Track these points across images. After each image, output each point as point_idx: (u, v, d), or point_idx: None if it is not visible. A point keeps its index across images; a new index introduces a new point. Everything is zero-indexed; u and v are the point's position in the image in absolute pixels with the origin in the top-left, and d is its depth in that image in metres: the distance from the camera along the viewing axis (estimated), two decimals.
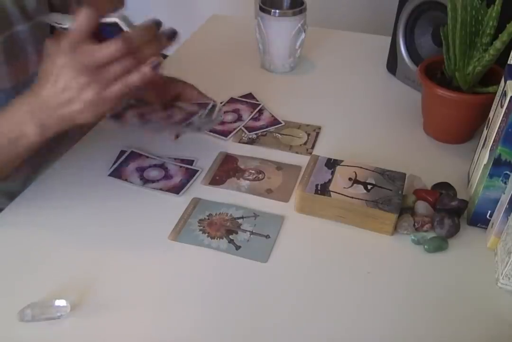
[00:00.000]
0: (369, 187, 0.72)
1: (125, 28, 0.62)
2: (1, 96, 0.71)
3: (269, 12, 0.99)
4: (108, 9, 0.63)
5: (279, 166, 0.82)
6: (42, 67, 0.63)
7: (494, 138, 0.68)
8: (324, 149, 0.85)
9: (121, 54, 0.60)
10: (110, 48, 0.60)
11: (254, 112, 0.94)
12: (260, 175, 0.81)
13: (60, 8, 0.75)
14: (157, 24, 0.63)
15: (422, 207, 0.72)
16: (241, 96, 0.98)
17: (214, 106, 0.80)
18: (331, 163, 0.76)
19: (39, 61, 0.73)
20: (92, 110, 0.63)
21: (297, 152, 0.85)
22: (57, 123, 0.65)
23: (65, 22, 0.64)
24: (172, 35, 0.64)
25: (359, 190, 0.72)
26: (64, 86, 0.61)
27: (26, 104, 0.65)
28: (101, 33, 0.62)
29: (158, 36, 0.63)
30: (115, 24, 0.62)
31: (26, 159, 0.80)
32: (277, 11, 0.98)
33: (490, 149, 0.69)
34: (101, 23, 0.62)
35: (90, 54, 0.60)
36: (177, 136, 0.83)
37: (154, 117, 0.79)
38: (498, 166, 0.66)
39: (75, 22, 0.60)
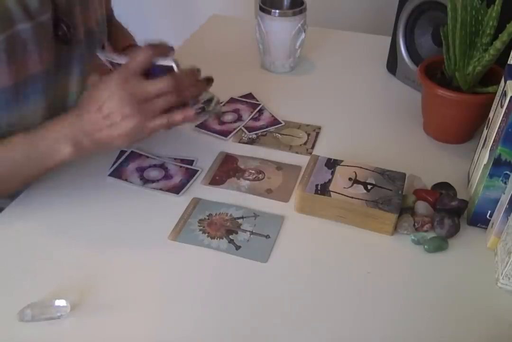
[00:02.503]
0: (369, 187, 0.72)
1: (176, 71, 0.68)
2: (1, 95, 0.71)
3: (269, 12, 0.99)
4: (162, 53, 0.70)
5: (279, 166, 0.82)
6: (89, 95, 0.68)
7: (494, 138, 0.68)
8: (324, 149, 0.85)
9: (168, 91, 0.66)
10: (161, 84, 0.66)
11: (254, 112, 0.94)
12: (260, 175, 0.81)
13: (64, 7, 0.75)
14: (198, 70, 0.72)
15: (422, 207, 0.72)
16: (241, 96, 0.98)
17: (211, 98, 0.80)
18: (331, 163, 0.76)
19: (41, 61, 0.73)
20: (129, 138, 0.68)
21: (297, 152, 0.85)
22: (93, 146, 0.69)
23: (119, 59, 0.71)
24: (209, 80, 0.74)
25: (359, 190, 0.72)
26: (109, 112, 0.66)
27: (68, 124, 0.68)
28: (151, 72, 0.67)
29: (198, 80, 0.72)
30: (166, 67, 0.68)
31: None
32: (277, 11, 0.98)
33: (490, 149, 0.69)
34: (154, 63, 0.68)
35: (140, 87, 0.66)
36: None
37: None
38: (498, 166, 0.66)
39: (134, 57, 0.67)
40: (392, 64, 1.03)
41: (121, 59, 0.71)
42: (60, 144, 0.68)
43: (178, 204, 0.75)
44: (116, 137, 0.67)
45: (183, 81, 0.68)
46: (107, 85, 0.67)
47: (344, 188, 0.72)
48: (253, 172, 0.81)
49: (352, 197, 0.70)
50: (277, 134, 0.89)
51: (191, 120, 0.71)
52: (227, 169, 0.82)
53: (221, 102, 0.94)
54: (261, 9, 1.00)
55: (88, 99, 0.68)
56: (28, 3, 0.68)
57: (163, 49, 0.70)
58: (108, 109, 0.66)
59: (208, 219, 0.73)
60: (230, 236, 0.71)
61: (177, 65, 0.68)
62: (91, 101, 0.67)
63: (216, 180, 0.80)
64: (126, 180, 0.79)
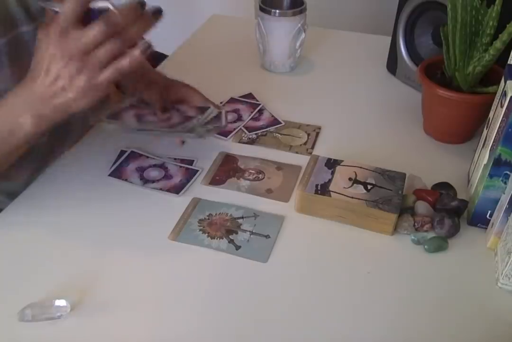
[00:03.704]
0: (369, 187, 0.72)
1: (113, 10, 0.60)
2: (4, 96, 0.71)
3: (269, 12, 0.99)
4: None
5: (279, 166, 0.82)
6: (34, 57, 0.63)
7: (494, 138, 0.68)
8: (324, 149, 0.85)
9: (105, 36, 0.59)
10: (93, 31, 0.59)
11: (254, 112, 0.94)
12: (260, 175, 0.81)
13: None
14: (141, 4, 0.61)
15: (422, 207, 0.72)
16: (241, 96, 0.98)
17: (219, 112, 0.80)
18: (331, 164, 0.76)
19: None
20: (85, 97, 0.63)
21: (297, 152, 0.85)
22: (53, 113, 0.65)
23: (58, 6, 0.62)
24: (157, 13, 0.63)
25: (359, 190, 0.72)
26: (56, 75, 0.61)
27: (21, 96, 0.64)
28: (93, 19, 0.60)
29: (142, 15, 0.61)
30: (107, 9, 0.60)
31: (26, 160, 0.80)
32: (277, 11, 0.98)
33: (490, 149, 0.69)
34: (91, 8, 0.60)
35: (77, 40, 0.59)
36: (183, 142, 0.83)
37: (152, 119, 0.79)
38: (498, 166, 0.66)
39: (64, 6, 0.59)
40: (392, 64, 1.03)
41: (60, 7, 0.62)
42: (19, 117, 0.64)
43: (178, 204, 0.75)
44: (73, 99, 0.63)
45: (119, 21, 0.59)
46: (46, 44, 0.61)
47: (344, 188, 0.72)
48: (253, 172, 0.81)
49: (352, 197, 0.70)
50: (277, 134, 0.89)
51: (140, 59, 0.62)
52: (227, 169, 0.82)
53: (222, 103, 0.94)
54: (261, 9, 1.00)
55: (35, 63, 0.63)
56: (30, 5, 0.68)
57: None
58: (54, 72, 0.61)
59: (208, 219, 0.73)
60: (230, 236, 0.71)
61: (113, 5, 0.60)
62: (38, 65, 0.62)
63: (216, 180, 0.80)
64: (126, 180, 0.79)
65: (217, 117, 0.80)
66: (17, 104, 0.64)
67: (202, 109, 0.80)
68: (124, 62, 0.61)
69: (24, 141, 0.67)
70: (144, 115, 0.80)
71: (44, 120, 0.65)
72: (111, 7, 0.59)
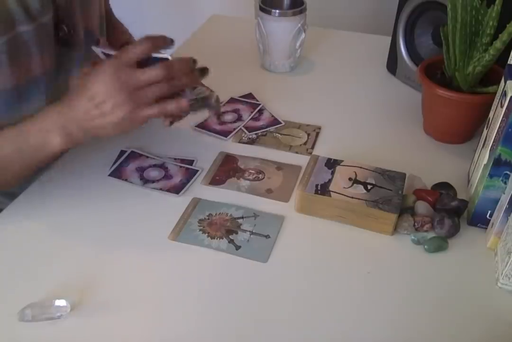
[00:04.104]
0: (369, 187, 0.72)
1: (174, 61, 0.66)
2: (2, 96, 0.71)
3: (269, 12, 0.99)
4: (162, 46, 0.68)
5: (279, 166, 0.82)
6: (81, 80, 0.67)
7: (494, 138, 0.68)
8: (324, 149, 0.85)
9: (160, 79, 0.65)
10: (152, 72, 0.65)
11: (254, 112, 0.94)
12: (260, 175, 0.81)
13: (65, 9, 0.75)
14: (194, 60, 0.69)
15: (422, 207, 0.72)
16: (241, 96, 0.98)
17: (210, 94, 0.79)
18: (331, 164, 0.76)
19: (43, 62, 0.73)
20: (119, 127, 0.67)
21: (297, 152, 0.85)
22: (82, 135, 0.68)
23: (114, 52, 0.69)
24: (204, 70, 0.71)
25: (359, 190, 0.72)
26: (100, 102, 0.65)
27: (57, 114, 0.67)
28: (147, 65, 0.66)
29: (193, 70, 0.69)
30: (163, 59, 0.66)
31: None
32: (277, 11, 0.98)
33: (490, 149, 0.69)
34: (151, 56, 0.66)
35: (132, 76, 0.64)
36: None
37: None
38: (498, 166, 0.66)
39: (131, 47, 0.65)
40: (392, 64, 1.03)
41: (115, 52, 0.69)
42: (50, 135, 0.67)
43: (178, 204, 0.75)
44: (107, 126, 0.66)
45: (176, 70, 0.66)
46: (99, 74, 0.65)
47: (344, 188, 0.72)
48: (253, 172, 0.81)
49: (352, 197, 0.70)
50: (277, 134, 0.89)
51: (184, 110, 0.70)
52: (227, 169, 0.82)
53: (221, 102, 0.94)
54: (261, 9, 1.00)
55: (79, 88, 0.66)
56: (29, 5, 0.68)
57: (162, 42, 0.68)
58: (100, 98, 0.64)
59: (208, 219, 0.73)
60: (230, 236, 0.71)
61: (172, 57, 0.67)
62: (83, 90, 0.66)
63: (216, 180, 0.80)
64: (126, 180, 0.79)
65: (208, 97, 0.79)
66: (51, 121, 0.67)
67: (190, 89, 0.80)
68: (170, 106, 0.67)
69: (47, 158, 0.70)
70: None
71: (72, 141, 0.68)
72: (170, 58, 0.67)
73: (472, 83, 0.81)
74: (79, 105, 0.66)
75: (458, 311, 0.62)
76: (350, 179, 0.73)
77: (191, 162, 0.83)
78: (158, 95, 0.66)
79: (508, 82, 0.66)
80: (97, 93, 0.65)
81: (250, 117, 0.93)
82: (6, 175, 0.71)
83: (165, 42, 0.68)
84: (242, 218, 0.73)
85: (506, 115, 0.64)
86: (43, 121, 0.67)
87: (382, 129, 0.91)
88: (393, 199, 0.70)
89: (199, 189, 0.78)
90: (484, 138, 0.74)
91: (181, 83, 0.67)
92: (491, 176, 0.67)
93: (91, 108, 0.65)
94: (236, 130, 0.90)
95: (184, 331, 0.60)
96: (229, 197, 0.77)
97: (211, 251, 0.69)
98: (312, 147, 0.86)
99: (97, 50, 0.71)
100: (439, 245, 0.68)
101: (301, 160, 0.82)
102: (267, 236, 0.71)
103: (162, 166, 0.82)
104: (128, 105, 0.65)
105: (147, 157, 0.83)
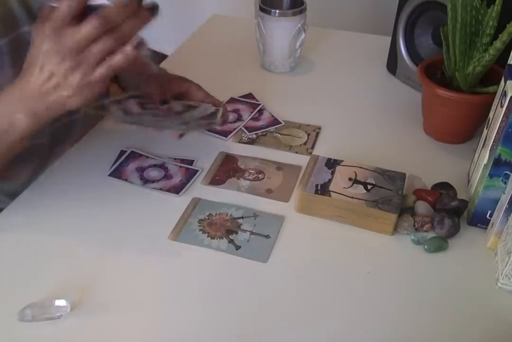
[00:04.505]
0: (369, 187, 0.72)
1: (110, 6, 0.59)
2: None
3: (269, 12, 0.99)
4: None
5: (279, 166, 0.82)
6: (29, 53, 0.62)
7: (494, 138, 0.68)
8: (324, 149, 0.85)
9: (99, 32, 0.59)
10: (86, 27, 0.58)
11: (254, 112, 0.94)
12: (260, 175, 0.81)
13: None
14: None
15: (422, 207, 0.72)
16: (241, 96, 0.98)
17: (216, 110, 0.79)
18: (331, 164, 0.76)
19: None
20: (80, 94, 0.62)
21: (297, 152, 0.85)
22: (47, 111, 0.64)
23: (56, 2, 0.61)
24: (153, 9, 0.62)
25: (359, 190, 0.72)
26: (51, 73, 0.61)
27: (15, 93, 0.64)
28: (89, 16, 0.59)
29: (139, 11, 0.60)
30: (103, 6, 0.59)
31: (26, 160, 0.80)
32: (277, 11, 0.98)
33: (490, 149, 0.69)
34: (89, 5, 0.59)
35: (70, 37, 0.59)
36: (180, 136, 0.83)
37: (153, 107, 0.78)
38: (498, 166, 0.66)
39: (60, 3, 0.58)
40: (392, 64, 1.03)
41: (58, 3, 0.61)
42: (13, 116, 0.64)
43: (178, 204, 0.75)
44: (68, 96, 0.62)
45: (114, 16, 0.59)
46: (41, 40, 0.60)
47: (344, 188, 0.72)
48: (253, 172, 0.81)
49: (352, 197, 0.70)
50: (277, 134, 0.89)
51: (133, 56, 0.61)
52: (227, 169, 0.82)
53: (221, 102, 0.94)
54: (261, 9, 1.00)
55: (29, 60, 0.62)
56: (31, 5, 0.68)
57: None
58: (49, 69, 0.60)
59: (208, 219, 0.73)
60: (230, 236, 0.71)
61: (110, 1, 0.59)
62: (32, 62, 0.62)
63: (216, 180, 0.80)
64: (126, 180, 0.79)
65: (214, 114, 0.79)
66: (11, 102, 0.64)
67: (199, 104, 0.80)
68: (117, 59, 0.60)
69: (19, 139, 0.67)
70: (145, 104, 0.79)
71: (38, 117, 0.65)
72: (107, 2, 0.59)
73: (472, 83, 0.81)
74: (33, 80, 0.62)
75: (458, 311, 0.62)
76: (350, 179, 0.73)
77: (191, 162, 0.83)
78: (105, 50, 0.60)
79: (508, 82, 0.66)
80: (45, 64, 0.60)
81: (250, 117, 0.93)
82: None
83: None
84: (242, 218, 0.73)
85: (506, 115, 0.64)
86: (3, 103, 0.64)
87: (382, 129, 0.91)
88: (393, 199, 0.70)
89: (199, 189, 0.78)
90: (484, 138, 0.74)
91: (126, 30, 0.60)
92: (491, 176, 0.67)
93: (43, 82, 0.61)
94: (236, 130, 0.90)
95: (184, 331, 0.60)
96: (229, 197, 0.77)
97: (211, 251, 0.69)
98: (312, 147, 0.86)
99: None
100: (439, 245, 0.68)
101: (301, 160, 0.82)
102: (267, 236, 0.71)
103: (162, 166, 0.82)
104: (78, 70, 0.60)
105: (147, 157, 0.83)
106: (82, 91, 0.62)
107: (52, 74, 0.61)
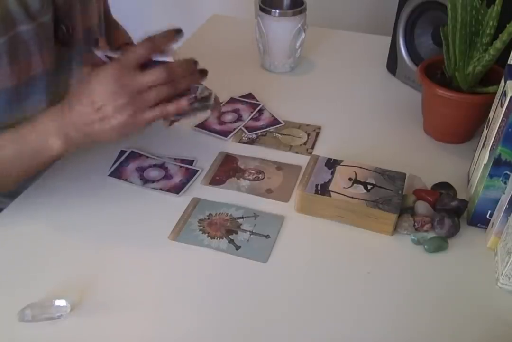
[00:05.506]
0: (369, 187, 0.72)
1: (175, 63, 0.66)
2: (2, 96, 0.71)
3: (269, 12, 0.99)
4: (164, 48, 0.67)
5: (279, 166, 0.82)
6: (82, 83, 0.66)
7: (494, 138, 0.68)
8: (324, 149, 0.85)
9: (161, 82, 0.64)
10: (153, 75, 0.64)
11: (254, 112, 0.94)
12: (260, 175, 0.81)
13: (64, 8, 0.75)
14: (195, 62, 0.69)
15: (422, 207, 0.72)
16: (241, 96, 0.98)
17: (210, 93, 0.79)
18: (331, 163, 0.76)
19: (42, 61, 0.73)
20: (120, 131, 0.66)
21: (297, 152, 0.85)
22: (82, 139, 0.68)
23: (115, 54, 0.69)
24: (203, 73, 0.70)
25: (359, 190, 0.72)
26: (101, 106, 0.64)
27: (58, 117, 0.67)
28: (148, 68, 0.65)
29: (194, 71, 0.68)
30: (164, 62, 0.66)
31: None
32: (277, 11, 0.98)
33: (490, 149, 0.69)
34: (152, 59, 0.66)
35: (133, 79, 0.64)
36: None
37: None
38: (498, 166, 0.66)
39: (133, 49, 0.65)
40: (392, 64, 1.03)
41: (117, 54, 0.69)
42: (50, 138, 0.66)
43: (178, 204, 0.75)
44: (108, 130, 0.66)
45: (176, 72, 0.66)
46: (99, 77, 0.64)
47: (344, 188, 0.72)
48: (253, 172, 0.81)
49: (352, 197, 0.70)
50: (277, 134, 0.89)
51: (185, 111, 0.69)
52: (227, 169, 0.82)
53: (221, 102, 0.94)
54: (261, 9, 1.00)
55: (80, 91, 0.66)
56: (29, 4, 0.68)
57: (165, 41, 0.67)
58: (101, 102, 0.64)
59: (208, 219, 0.73)
60: (230, 236, 0.71)
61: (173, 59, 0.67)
62: (83, 94, 0.65)
63: (216, 180, 0.80)
64: (126, 180, 0.79)
65: (207, 97, 0.79)
66: (51, 124, 0.67)
67: (193, 87, 0.79)
68: (171, 108, 0.67)
69: (47, 161, 0.70)
70: None
71: (71, 144, 0.68)
72: (171, 60, 0.66)
73: (472, 83, 0.81)
74: (80, 109, 0.65)
75: (458, 311, 0.62)
76: (350, 179, 0.73)
77: (191, 162, 0.83)
78: (159, 98, 0.66)
79: (508, 82, 0.66)
80: (98, 97, 0.64)
81: (250, 117, 0.93)
82: (5, 177, 0.71)
83: (169, 39, 0.67)
84: (242, 218, 0.73)
85: (506, 115, 0.64)
86: (44, 124, 0.67)
87: (382, 129, 0.91)
88: (393, 199, 0.70)
89: (199, 189, 0.78)
90: (484, 138, 0.74)
91: (182, 85, 0.67)
92: (491, 176, 0.67)
93: (91, 112, 0.64)
94: (236, 130, 0.90)
95: (184, 331, 0.60)
96: (229, 197, 0.77)
97: (211, 251, 0.69)
98: (312, 147, 0.86)
99: (100, 53, 0.71)
100: (439, 245, 0.68)
101: (301, 160, 0.82)
102: (267, 236, 0.71)
103: (162, 166, 0.82)
104: (129, 109, 0.64)
105: (147, 157, 0.83)
106: (124, 129, 0.66)
107: (103, 107, 0.64)
